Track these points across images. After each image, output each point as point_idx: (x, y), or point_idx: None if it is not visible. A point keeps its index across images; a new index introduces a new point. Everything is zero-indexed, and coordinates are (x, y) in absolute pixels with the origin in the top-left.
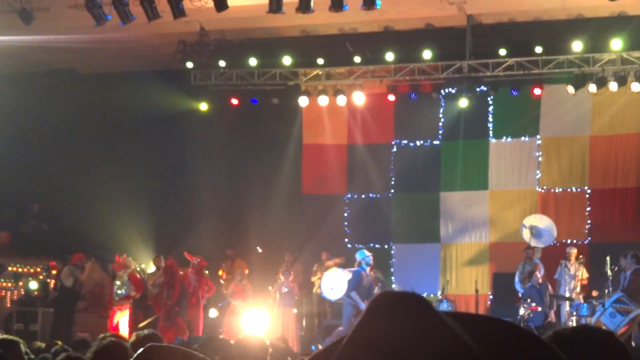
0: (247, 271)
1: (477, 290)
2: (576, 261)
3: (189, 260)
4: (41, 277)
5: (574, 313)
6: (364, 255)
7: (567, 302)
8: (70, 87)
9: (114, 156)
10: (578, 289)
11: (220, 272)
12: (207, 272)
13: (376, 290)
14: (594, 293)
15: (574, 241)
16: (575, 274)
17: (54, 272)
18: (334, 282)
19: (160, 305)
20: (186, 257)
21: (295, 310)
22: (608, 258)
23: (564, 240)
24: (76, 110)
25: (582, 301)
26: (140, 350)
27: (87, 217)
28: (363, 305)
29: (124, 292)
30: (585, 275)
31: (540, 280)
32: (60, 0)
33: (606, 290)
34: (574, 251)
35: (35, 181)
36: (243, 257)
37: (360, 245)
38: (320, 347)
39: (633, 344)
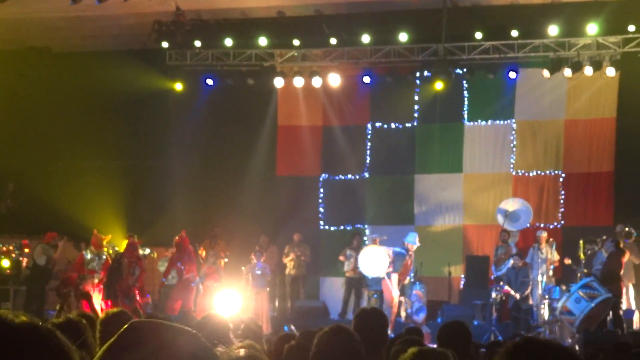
0: (227, 253)
1: (449, 273)
2: (547, 244)
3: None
4: (13, 255)
5: (546, 296)
6: (413, 239)
7: (540, 286)
8: (44, 65)
9: (88, 135)
10: (550, 272)
11: (200, 251)
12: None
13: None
14: (567, 261)
15: (548, 225)
16: (547, 257)
17: (26, 250)
18: (376, 260)
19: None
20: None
21: (267, 289)
22: (581, 242)
23: (537, 224)
24: (50, 88)
25: (554, 284)
26: (124, 328)
27: (60, 196)
28: (396, 291)
29: (95, 267)
30: (557, 257)
31: (520, 264)
32: None
33: (578, 274)
34: (544, 235)
35: (9, 159)
36: (222, 239)
37: (334, 227)
38: (292, 327)
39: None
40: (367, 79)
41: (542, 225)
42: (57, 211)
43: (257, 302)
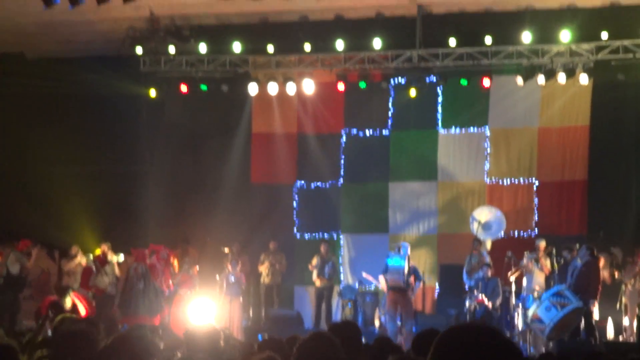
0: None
1: (424, 282)
2: (545, 253)
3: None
4: None
5: (520, 305)
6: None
7: (514, 295)
8: (18, 71)
9: (61, 142)
10: (542, 281)
11: (172, 260)
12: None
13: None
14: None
15: (522, 233)
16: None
17: None
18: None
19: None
20: (153, 248)
21: (241, 299)
22: (554, 250)
23: (511, 232)
24: (24, 94)
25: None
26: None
27: (33, 203)
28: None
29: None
30: (549, 266)
31: (489, 274)
32: None
33: (551, 282)
34: (542, 244)
35: None
36: (195, 246)
37: (308, 235)
38: (266, 336)
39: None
40: (341, 86)
41: (515, 233)
42: (30, 219)
43: (230, 311)
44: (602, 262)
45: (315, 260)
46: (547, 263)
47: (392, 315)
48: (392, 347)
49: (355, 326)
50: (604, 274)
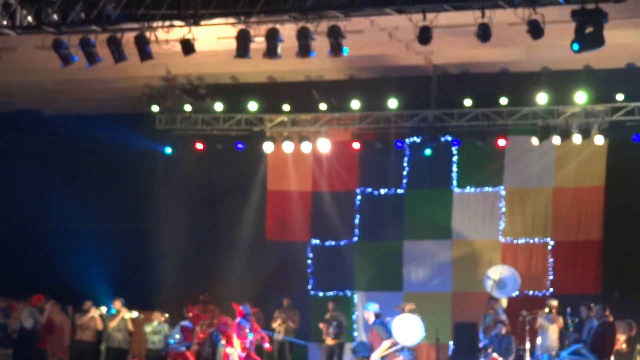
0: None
1: (438, 340)
2: (555, 313)
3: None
4: (0, 318)
5: None
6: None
7: (528, 353)
8: (35, 128)
9: (77, 198)
10: (555, 338)
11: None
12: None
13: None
14: None
15: (536, 292)
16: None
17: (13, 313)
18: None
19: None
20: (234, 307)
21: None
22: (568, 309)
23: (525, 292)
24: (41, 151)
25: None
26: None
27: (47, 258)
28: None
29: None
30: (561, 324)
31: (503, 332)
32: (27, 40)
33: (566, 341)
34: (554, 303)
35: None
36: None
37: (323, 293)
38: None
39: None
40: (356, 145)
41: (530, 293)
42: (44, 274)
43: None
44: (620, 331)
45: (327, 318)
46: (559, 319)
47: None
48: None
49: None
50: (621, 342)
